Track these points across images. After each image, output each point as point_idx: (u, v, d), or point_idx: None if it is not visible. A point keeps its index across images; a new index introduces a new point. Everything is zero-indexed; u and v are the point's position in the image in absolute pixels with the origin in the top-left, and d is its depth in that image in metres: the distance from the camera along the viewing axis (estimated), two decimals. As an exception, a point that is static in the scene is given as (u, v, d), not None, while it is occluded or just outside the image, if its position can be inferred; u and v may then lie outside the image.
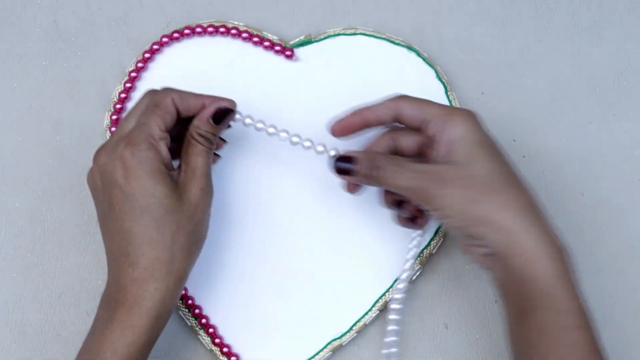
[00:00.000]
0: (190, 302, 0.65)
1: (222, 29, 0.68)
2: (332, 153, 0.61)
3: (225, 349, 0.65)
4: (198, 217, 0.58)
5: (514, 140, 0.68)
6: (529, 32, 0.69)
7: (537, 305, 0.55)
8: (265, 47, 0.68)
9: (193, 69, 0.67)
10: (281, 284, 0.66)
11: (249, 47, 0.68)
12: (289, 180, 0.67)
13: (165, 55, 0.68)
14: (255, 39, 0.67)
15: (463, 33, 0.69)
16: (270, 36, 0.68)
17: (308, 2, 0.69)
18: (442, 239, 0.66)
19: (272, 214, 0.66)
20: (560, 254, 0.55)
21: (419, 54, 0.68)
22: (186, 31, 0.67)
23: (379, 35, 0.68)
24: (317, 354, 0.65)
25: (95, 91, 0.68)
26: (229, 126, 0.63)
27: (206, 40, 0.68)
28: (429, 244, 0.66)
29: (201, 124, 0.60)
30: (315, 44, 0.68)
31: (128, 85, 0.67)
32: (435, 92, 0.67)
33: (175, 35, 0.67)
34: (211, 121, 0.60)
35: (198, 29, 0.67)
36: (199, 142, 0.59)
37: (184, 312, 0.65)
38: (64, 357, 0.65)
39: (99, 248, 0.66)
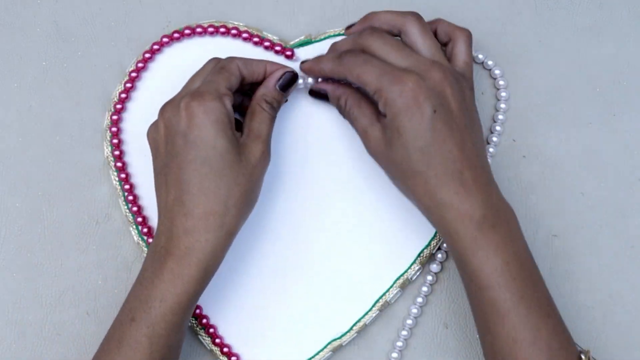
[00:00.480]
0: (198, 311, 0.65)
1: (222, 29, 0.67)
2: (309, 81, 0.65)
3: (225, 349, 0.65)
4: (255, 177, 0.59)
5: (514, 140, 0.68)
6: (528, 32, 0.69)
7: (458, 263, 0.59)
8: (266, 48, 0.67)
9: (193, 69, 0.67)
10: (281, 284, 0.66)
11: (249, 47, 0.68)
12: (287, 182, 0.67)
13: (165, 55, 0.68)
14: (256, 39, 0.67)
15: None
16: (270, 36, 0.68)
17: (308, 2, 0.69)
18: (441, 240, 0.66)
19: (271, 214, 0.66)
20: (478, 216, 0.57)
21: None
22: (186, 31, 0.67)
23: None
24: (317, 354, 0.65)
25: (95, 91, 0.68)
26: (286, 100, 0.65)
27: (206, 40, 0.68)
28: (428, 244, 0.66)
29: (268, 91, 0.62)
30: (315, 44, 0.68)
31: (128, 85, 0.67)
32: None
33: (176, 35, 0.67)
34: (278, 88, 0.62)
35: (198, 29, 0.67)
36: (264, 108, 0.61)
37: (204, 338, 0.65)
38: (64, 357, 0.65)
39: (99, 248, 0.66)
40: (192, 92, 0.59)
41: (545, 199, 0.67)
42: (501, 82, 0.68)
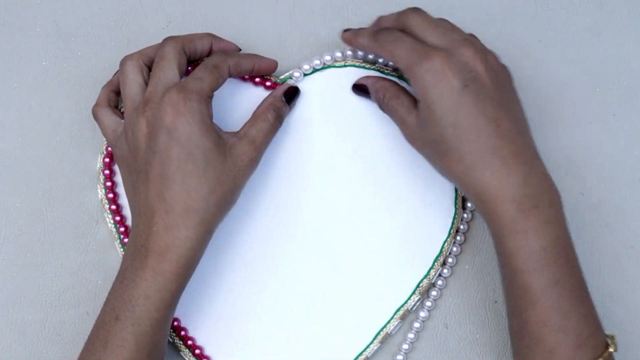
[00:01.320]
0: (176, 323, 0.65)
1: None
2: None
3: None
4: (238, 181, 0.59)
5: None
6: (528, 32, 0.69)
7: (495, 243, 0.58)
8: (256, 84, 0.66)
9: None
10: (279, 317, 0.65)
11: (238, 82, 0.67)
12: (294, 184, 0.66)
13: None
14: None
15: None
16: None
17: (298, 31, 0.69)
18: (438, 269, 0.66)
19: (271, 243, 0.66)
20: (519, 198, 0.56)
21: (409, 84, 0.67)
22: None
23: (369, 66, 0.67)
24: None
25: (95, 91, 0.67)
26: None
27: None
28: (427, 274, 0.66)
29: (276, 101, 0.63)
30: (305, 78, 0.67)
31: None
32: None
33: None
34: (284, 99, 0.64)
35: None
36: (268, 118, 0.62)
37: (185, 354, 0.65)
38: (64, 357, 0.65)
39: (99, 248, 0.66)
40: (178, 86, 0.58)
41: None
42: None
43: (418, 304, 0.65)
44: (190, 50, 0.62)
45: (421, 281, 0.65)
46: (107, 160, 0.66)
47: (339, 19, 0.69)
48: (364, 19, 0.68)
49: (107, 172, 0.66)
